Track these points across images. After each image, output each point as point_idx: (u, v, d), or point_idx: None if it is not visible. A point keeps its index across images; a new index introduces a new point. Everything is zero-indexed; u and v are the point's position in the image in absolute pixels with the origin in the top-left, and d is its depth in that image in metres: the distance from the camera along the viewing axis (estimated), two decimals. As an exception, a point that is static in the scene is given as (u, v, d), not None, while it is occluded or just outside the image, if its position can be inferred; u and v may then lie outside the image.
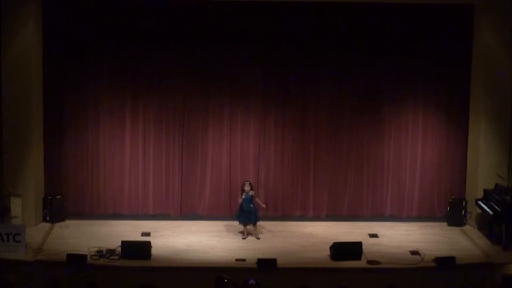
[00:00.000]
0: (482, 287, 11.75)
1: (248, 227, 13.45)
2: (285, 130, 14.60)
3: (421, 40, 14.30)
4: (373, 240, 13.43)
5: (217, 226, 14.00)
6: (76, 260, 11.85)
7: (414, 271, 11.97)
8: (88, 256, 12.05)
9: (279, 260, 12.00)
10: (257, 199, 13.57)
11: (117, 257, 12.17)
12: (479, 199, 13.71)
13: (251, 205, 13.31)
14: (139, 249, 12.22)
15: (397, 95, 14.57)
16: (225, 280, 9.21)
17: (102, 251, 12.33)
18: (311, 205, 14.72)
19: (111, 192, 14.49)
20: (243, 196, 13.30)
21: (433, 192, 14.72)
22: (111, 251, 12.31)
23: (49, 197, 14.01)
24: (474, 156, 14.19)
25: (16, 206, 13.35)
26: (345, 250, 12.36)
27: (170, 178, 14.55)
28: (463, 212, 14.26)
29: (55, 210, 13.98)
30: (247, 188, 13.32)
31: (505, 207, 12.79)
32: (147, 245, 12.32)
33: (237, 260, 12.27)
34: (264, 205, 13.75)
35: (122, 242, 12.32)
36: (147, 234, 13.47)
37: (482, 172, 13.92)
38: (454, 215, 14.28)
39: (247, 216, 13.34)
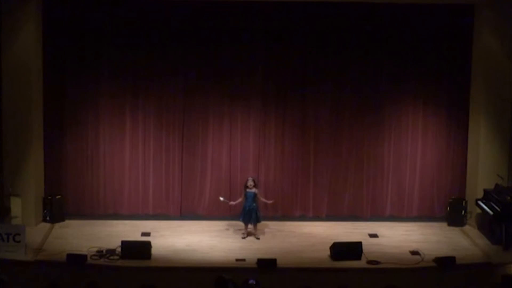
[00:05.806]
0: (482, 287, 11.74)
1: (249, 226, 13.44)
2: (285, 130, 14.60)
3: (421, 40, 14.30)
4: (373, 240, 13.43)
5: (217, 226, 14.00)
6: (76, 260, 11.85)
7: (414, 271, 11.97)
8: (88, 256, 12.05)
9: (279, 260, 11.99)
10: (261, 198, 13.57)
11: (117, 257, 12.16)
12: (479, 199, 13.70)
13: (254, 204, 13.28)
14: (139, 249, 12.22)
15: (397, 95, 14.58)
16: (225, 280, 9.21)
17: (102, 251, 12.33)
18: (311, 205, 14.72)
19: (111, 192, 14.49)
20: (246, 191, 13.23)
21: (433, 192, 14.71)
22: (111, 251, 12.31)
23: (49, 197, 14.00)
24: (474, 156, 14.18)
25: (16, 206, 13.36)
26: (345, 250, 12.36)
27: (170, 178, 14.55)
28: (463, 212, 14.26)
29: (55, 210, 13.97)
30: (250, 184, 13.29)
31: (505, 207, 12.78)
32: (147, 245, 12.32)
33: (237, 260, 12.27)
34: (270, 201, 13.73)
35: (122, 242, 12.32)
36: (147, 234, 13.47)
37: (482, 172, 13.91)
38: (454, 215, 14.27)
39: (248, 214, 13.28)
